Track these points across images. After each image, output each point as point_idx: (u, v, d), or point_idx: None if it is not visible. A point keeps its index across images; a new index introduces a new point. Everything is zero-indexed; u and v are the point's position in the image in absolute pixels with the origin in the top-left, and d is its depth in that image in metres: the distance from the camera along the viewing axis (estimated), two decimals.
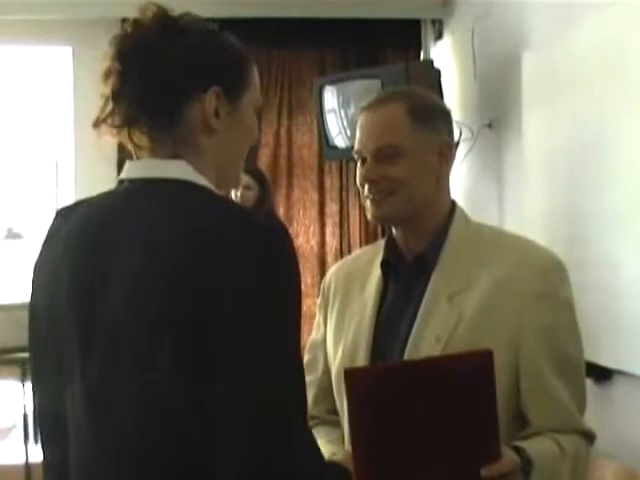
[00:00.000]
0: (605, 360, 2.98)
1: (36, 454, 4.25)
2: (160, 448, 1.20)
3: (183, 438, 1.18)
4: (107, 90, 1.32)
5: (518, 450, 1.52)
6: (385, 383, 1.41)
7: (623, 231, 2.85)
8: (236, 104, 1.35)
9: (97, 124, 1.33)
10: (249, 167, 4.44)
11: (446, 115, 1.77)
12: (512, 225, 3.81)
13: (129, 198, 1.31)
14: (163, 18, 1.34)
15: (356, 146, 1.74)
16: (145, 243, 1.22)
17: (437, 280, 1.69)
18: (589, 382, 3.00)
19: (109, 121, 1.33)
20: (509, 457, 1.47)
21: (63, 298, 1.30)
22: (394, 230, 1.77)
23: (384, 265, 1.76)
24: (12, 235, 5.19)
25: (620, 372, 2.94)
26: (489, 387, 1.41)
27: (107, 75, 1.32)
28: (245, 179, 4.44)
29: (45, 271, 1.36)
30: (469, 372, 1.41)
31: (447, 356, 1.54)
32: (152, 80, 1.31)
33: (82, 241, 1.30)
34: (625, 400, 2.96)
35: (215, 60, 1.34)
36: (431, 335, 1.64)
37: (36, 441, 4.40)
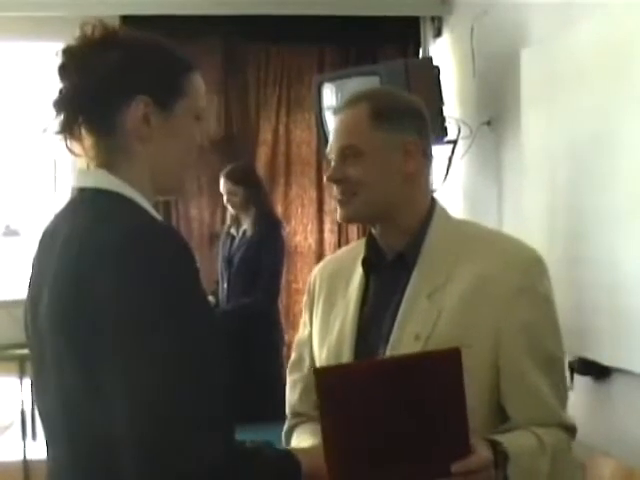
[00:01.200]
0: (604, 358, 2.98)
1: (34, 451, 4.25)
2: (78, 440, 1.33)
3: (96, 434, 1.30)
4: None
5: (495, 444, 1.52)
6: (354, 382, 1.43)
7: (623, 229, 2.85)
8: (169, 112, 1.42)
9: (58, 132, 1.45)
10: (227, 172, 4.43)
11: (414, 113, 1.75)
12: (511, 223, 3.81)
13: (65, 208, 1.43)
14: (101, 34, 1.46)
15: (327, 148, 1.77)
16: (60, 255, 1.35)
17: (417, 278, 1.70)
18: (588, 380, 3.03)
19: (51, 128, 1.44)
20: (480, 453, 1.47)
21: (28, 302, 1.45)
22: (373, 229, 1.78)
23: (365, 263, 1.77)
24: (10, 232, 5.18)
25: (619, 370, 2.93)
26: (458, 385, 1.41)
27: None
28: (227, 185, 4.42)
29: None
30: (437, 370, 1.42)
31: (416, 354, 1.55)
32: (83, 92, 1.42)
33: (38, 250, 1.44)
34: (624, 398, 2.95)
35: (141, 71, 1.41)
36: (411, 333, 1.65)
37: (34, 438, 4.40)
